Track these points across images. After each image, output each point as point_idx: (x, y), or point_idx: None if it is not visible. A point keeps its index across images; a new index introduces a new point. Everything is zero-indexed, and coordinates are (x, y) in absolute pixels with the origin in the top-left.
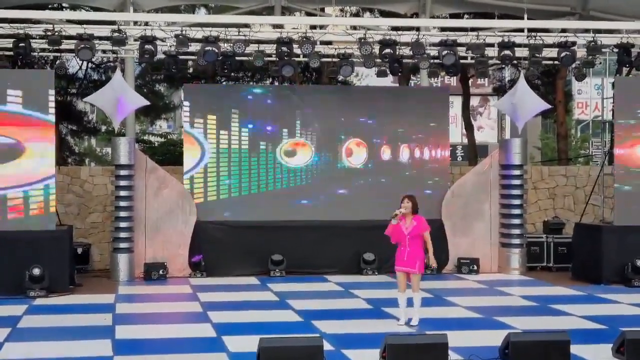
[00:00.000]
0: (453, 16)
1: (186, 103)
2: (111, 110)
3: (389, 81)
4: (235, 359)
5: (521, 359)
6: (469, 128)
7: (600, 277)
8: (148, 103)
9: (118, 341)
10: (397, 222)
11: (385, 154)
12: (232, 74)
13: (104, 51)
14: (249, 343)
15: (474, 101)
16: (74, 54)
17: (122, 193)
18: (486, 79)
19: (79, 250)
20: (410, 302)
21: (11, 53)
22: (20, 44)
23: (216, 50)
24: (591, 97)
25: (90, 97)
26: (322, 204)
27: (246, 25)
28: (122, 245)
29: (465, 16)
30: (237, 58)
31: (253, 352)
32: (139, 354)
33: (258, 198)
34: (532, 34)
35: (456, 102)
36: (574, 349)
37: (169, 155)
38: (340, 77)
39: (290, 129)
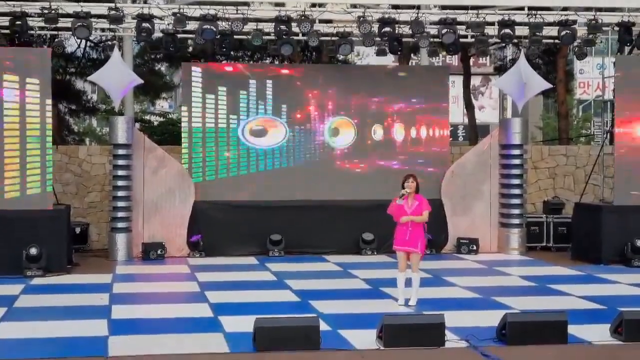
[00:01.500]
0: None
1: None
2: (111, 89)
3: (390, 61)
4: (231, 339)
5: (518, 339)
6: (469, 108)
7: (600, 257)
8: (141, 81)
9: (114, 321)
10: (402, 201)
11: (385, 133)
12: (232, 53)
13: (102, 29)
14: (246, 323)
15: (476, 81)
16: (71, 33)
17: (120, 172)
18: (487, 58)
19: (77, 230)
20: (409, 283)
21: (8, 31)
22: (17, 22)
23: (214, 29)
24: (593, 77)
25: (93, 76)
26: (321, 183)
27: (245, 4)
28: (120, 224)
29: None
30: (235, 37)
31: (249, 332)
32: (134, 333)
33: (257, 178)
34: (533, 12)
35: (457, 82)
36: (572, 329)
37: (167, 135)
38: (341, 57)
39: (290, 109)
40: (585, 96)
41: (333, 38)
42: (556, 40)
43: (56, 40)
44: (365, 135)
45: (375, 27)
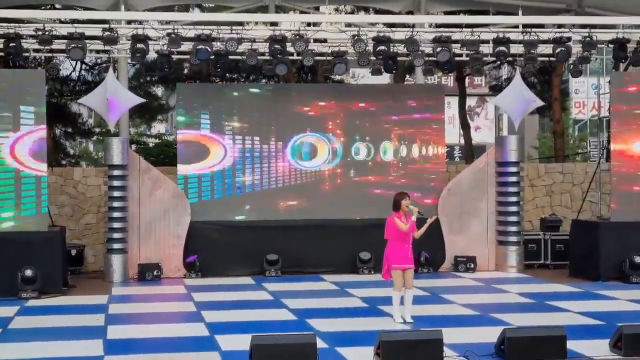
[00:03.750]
0: (448, 14)
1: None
2: (105, 111)
3: (385, 81)
4: (227, 358)
5: (517, 354)
6: (465, 127)
7: (598, 274)
8: (143, 100)
9: (109, 341)
10: (414, 219)
11: (382, 151)
12: (227, 74)
13: (97, 52)
14: (242, 341)
15: (471, 101)
16: (66, 54)
17: (116, 194)
18: (483, 79)
19: (73, 252)
20: (403, 300)
21: (2, 53)
22: (11, 44)
23: (209, 49)
24: (588, 97)
25: (84, 99)
26: (318, 203)
27: (240, 24)
28: (116, 246)
29: (460, 14)
30: (230, 57)
31: (246, 351)
32: (130, 353)
33: (253, 197)
34: (527, 30)
35: (453, 103)
36: (571, 345)
37: (163, 156)
38: (337, 77)
39: (285, 129)
40: (581, 116)
41: (328, 57)
42: (551, 58)
43: (51, 62)
44: (362, 155)
45: (370, 46)
